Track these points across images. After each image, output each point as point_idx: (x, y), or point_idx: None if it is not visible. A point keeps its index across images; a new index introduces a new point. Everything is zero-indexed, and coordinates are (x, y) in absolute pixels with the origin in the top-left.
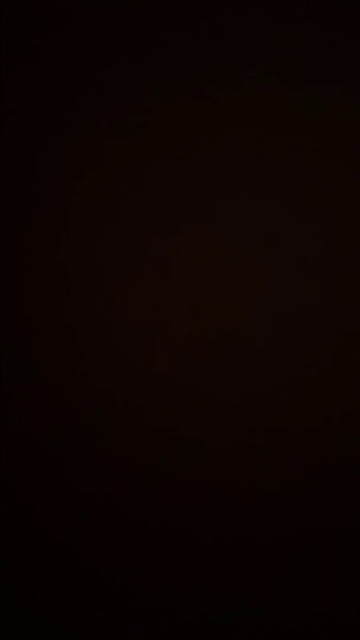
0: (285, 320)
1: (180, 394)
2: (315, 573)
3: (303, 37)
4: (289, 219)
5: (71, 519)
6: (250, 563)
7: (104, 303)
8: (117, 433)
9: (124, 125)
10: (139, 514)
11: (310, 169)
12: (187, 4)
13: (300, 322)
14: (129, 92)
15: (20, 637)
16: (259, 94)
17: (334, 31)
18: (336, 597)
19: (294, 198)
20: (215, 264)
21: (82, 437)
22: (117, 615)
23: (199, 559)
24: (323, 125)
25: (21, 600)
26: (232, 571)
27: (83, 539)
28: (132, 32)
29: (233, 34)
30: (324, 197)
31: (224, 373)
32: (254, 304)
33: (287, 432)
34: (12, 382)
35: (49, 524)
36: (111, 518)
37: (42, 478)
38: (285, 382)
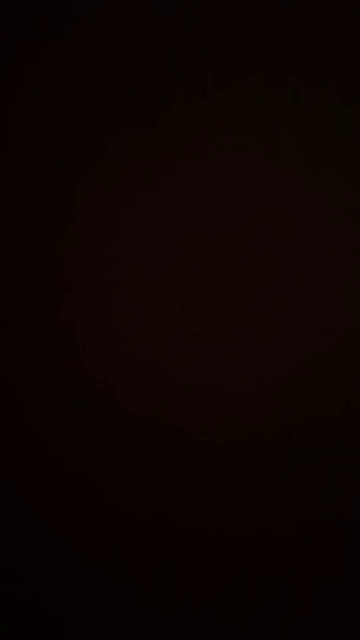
0: (285, 319)
1: (179, 391)
2: (315, 572)
3: (304, 37)
4: (290, 217)
5: (70, 516)
6: (249, 561)
7: (104, 301)
8: (116, 432)
9: (124, 125)
10: (138, 511)
11: (311, 168)
12: (189, 5)
13: (300, 321)
14: (129, 92)
15: (20, 637)
16: (259, 94)
17: (335, 32)
18: (336, 597)
19: (294, 197)
20: (215, 263)
21: (82, 436)
22: (116, 615)
23: (198, 558)
24: (323, 125)
25: (21, 598)
26: (231, 570)
27: (82, 536)
28: (132, 33)
29: (234, 34)
30: (325, 197)
31: (223, 371)
32: (254, 303)
33: (287, 432)
34: (12, 381)
35: (48, 522)
36: (110, 515)
37: (41, 476)
38: (285, 381)
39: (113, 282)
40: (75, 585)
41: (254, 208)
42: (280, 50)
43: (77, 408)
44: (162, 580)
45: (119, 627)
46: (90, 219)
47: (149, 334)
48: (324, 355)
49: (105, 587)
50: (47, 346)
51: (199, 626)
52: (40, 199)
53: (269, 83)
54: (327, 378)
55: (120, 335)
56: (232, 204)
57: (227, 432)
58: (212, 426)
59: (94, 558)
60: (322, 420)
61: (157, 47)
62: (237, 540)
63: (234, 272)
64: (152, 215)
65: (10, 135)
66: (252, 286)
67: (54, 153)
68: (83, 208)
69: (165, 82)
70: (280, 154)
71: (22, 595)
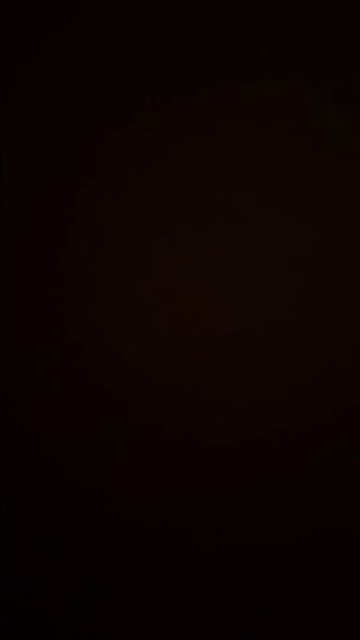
0: (284, 318)
1: (179, 392)
2: (315, 572)
3: (303, 36)
4: (289, 217)
5: (70, 518)
6: (249, 562)
7: (103, 302)
8: (116, 432)
9: (123, 125)
10: (138, 512)
11: (310, 167)
12: (188, 3)
13: (299, 320)
14: (129, 92)
15: (20, 637)
16: (259, 93)
17: (333, 31)
18: (336, 596)
19: (293, 197)
20: (214, 263)
21: (82, 437)
22: (117, 615)
23: (199, 559)
24: (323, 124)
25: (21, 599)
26: (231, 570)
27: (82, 537)
28: (131, 32)
29: (233, 32)
30: (324, 196)
31: (222, 372)
32: (254, 303)
33: (286, 432)
34: (12, 381)
35: (48, 524)
36: (110, 516)
37: (41, 477)
38: (284, 381)
39: (111, 284)
40: (76, 588)
41: (253, 209)
42: (280, 50)
43: (76, 410)
44: (163, 582)
45: (120, 629)
46: (89, 220)
47: (147, 336)
48: (324, 357)
49: (107, 590)
50: (46, 348)
51: (200, 628)
52: (38, 200)
53: (270, 83)
54: (326, 379)
55: (118, 337)
56: (232, 205)
57: (228, 435)
58: (211, 428)
59: (94, 561)
60: (322, 422)
61: (157, 47)
62: (238, 542)
63: (234, 274)
64: (151, 217)
65: (10, 136)
66: (252, 288)
67: (52, 153)
68: (82, 209)
69: (165, 82)
70: (281, 155)
71: (24, 598)
